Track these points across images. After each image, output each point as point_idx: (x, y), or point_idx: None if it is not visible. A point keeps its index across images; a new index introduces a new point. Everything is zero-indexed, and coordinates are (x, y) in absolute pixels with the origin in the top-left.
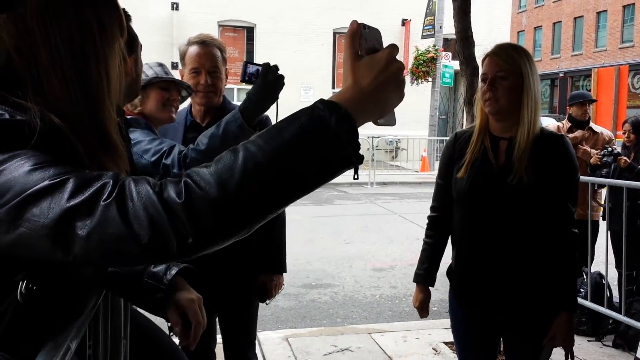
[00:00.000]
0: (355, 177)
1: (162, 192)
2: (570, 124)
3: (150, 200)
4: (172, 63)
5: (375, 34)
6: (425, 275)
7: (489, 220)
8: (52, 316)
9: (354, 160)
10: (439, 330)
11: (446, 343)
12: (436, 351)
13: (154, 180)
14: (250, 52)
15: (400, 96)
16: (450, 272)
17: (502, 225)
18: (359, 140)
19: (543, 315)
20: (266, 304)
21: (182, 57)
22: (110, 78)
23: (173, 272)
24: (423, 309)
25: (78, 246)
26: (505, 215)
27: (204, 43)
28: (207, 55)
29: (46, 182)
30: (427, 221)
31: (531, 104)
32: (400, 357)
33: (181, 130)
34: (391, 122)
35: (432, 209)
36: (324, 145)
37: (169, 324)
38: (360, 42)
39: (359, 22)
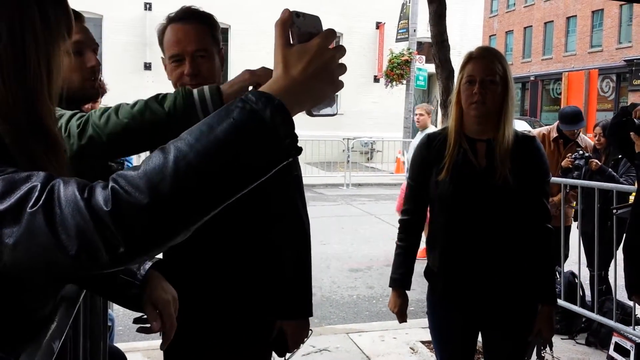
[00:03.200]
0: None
1: (90, 199)
2: (557, 135)
3: (77, 208)
4: (145, 64)
5: (312, 21)
6: (402, 280)
7: (475, 221)
8: (4, 317)
9: (292, 152)
10: (416, 329)
11: (423, 342)
12: (413, 350)
13: (83, 182)
14: (224, 53)
15: (334, 85)
16: (430, 274)
17: (488, 225)
18: (296, 132)
19: (524, 310)
20: (285, 359)
21: (161, 41)
22: (51, 72)
23: (147, 266)
24: (402, 313)
25: (7, 255)
26: (491, 215)
27: (184, 18)
28: (190, 35)
29: None
30: (399, 225)
31: (512, 108)
32: (378, 356)
33: None
34: (328, 112)
35: (405, 212)
36: (260, 140)
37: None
38: (292, 30)
39: (292, 10)
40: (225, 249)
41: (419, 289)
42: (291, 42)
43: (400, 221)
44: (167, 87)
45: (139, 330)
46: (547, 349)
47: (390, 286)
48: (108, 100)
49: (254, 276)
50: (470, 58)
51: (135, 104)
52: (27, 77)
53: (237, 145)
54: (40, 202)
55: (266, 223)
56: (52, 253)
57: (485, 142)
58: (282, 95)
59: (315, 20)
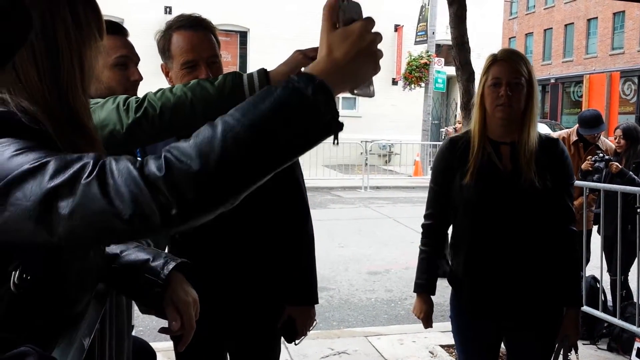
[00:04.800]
0: (335, 142)
1: (142, 168)
2: (577, 138)
3: (131, 176)
4: None
5: (354, 6)
6: (427, 285)
7: (501, 225)
8: (46, 309)
9: (334, 127)
10: (436, 333)
11: (442, 346)
12: (433, 354)
13: (134, 158)
14: (243, 56)
15: (374, 67)
16: (454, 280)
17: (513, 229)
18: (337, 108)
19: (549, 314)
20: (295, 344)
21: (166, 47)
22: (84, 69)
23: (170, 266)
24: (428, 319)
25: (61, 226)
26: (517, 219)
27: (194, 26)
28: (204, 42)
29: (27, 166)
30: (422, 230)
31: (536, 110)
32: None
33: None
34: (368, 93)
35: (428, 216)
36: (302, 115)
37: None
38: (339, 14)
39: None
40: (237, 239)
41: (437, 293)
42: (337, 25)
43: (423, 226)
44: None
45: (161, 330)
46: (573, 351)
47: (415, 291)
48: None
49: (265, 264)
50: (494, 60)
51: (188, 83)
52: (61, 73)
53: (280, 120)
54: (94, 173)
55: (277, 212)
56: (106, 218)
57: (509, 145)
58: (324, 76)
59: (357, 6)
